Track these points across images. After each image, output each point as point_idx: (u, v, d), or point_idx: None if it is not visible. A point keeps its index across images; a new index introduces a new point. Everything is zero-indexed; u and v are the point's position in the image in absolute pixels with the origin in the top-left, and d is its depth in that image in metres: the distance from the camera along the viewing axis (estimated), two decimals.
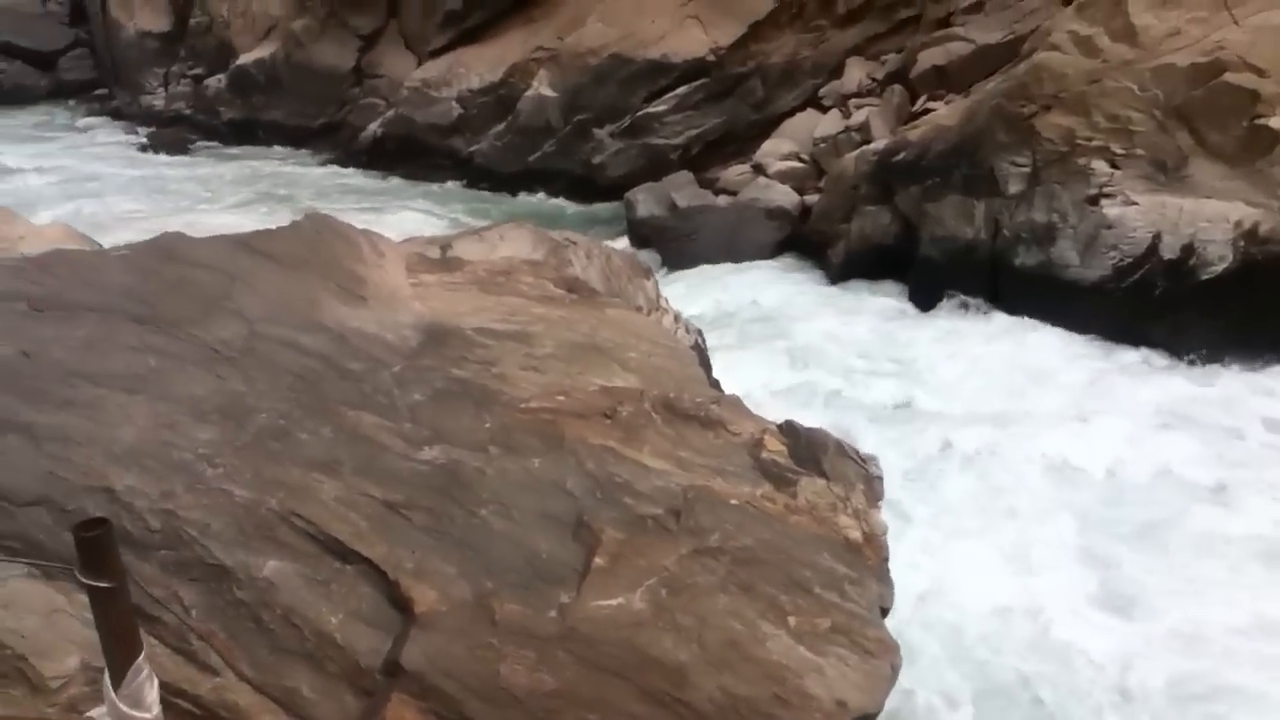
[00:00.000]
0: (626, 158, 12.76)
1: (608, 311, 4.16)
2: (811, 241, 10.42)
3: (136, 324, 3.25)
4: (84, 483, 2.62)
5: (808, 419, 3.63)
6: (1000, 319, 8.51)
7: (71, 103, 19.65)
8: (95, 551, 1.60)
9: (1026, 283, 8.49)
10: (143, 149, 16.54)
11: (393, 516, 2.72)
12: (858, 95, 11.81)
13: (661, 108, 12.59)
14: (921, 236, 9.29)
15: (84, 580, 1.61)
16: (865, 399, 7.41)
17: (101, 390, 2.94)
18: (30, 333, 3.15)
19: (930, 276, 9.11)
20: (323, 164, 15.35)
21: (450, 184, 14.03)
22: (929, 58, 11.05)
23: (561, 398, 3.32)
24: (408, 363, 3.38)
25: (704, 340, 5.41)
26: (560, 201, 13.14)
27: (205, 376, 3.08)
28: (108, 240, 6.16)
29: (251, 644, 2.39)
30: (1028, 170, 8.58)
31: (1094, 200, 8.19)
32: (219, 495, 2.66)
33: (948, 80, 10.84)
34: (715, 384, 4.41)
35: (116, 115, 18.50)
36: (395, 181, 14.37)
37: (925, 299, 9.07)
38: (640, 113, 12.69)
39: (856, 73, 12.08)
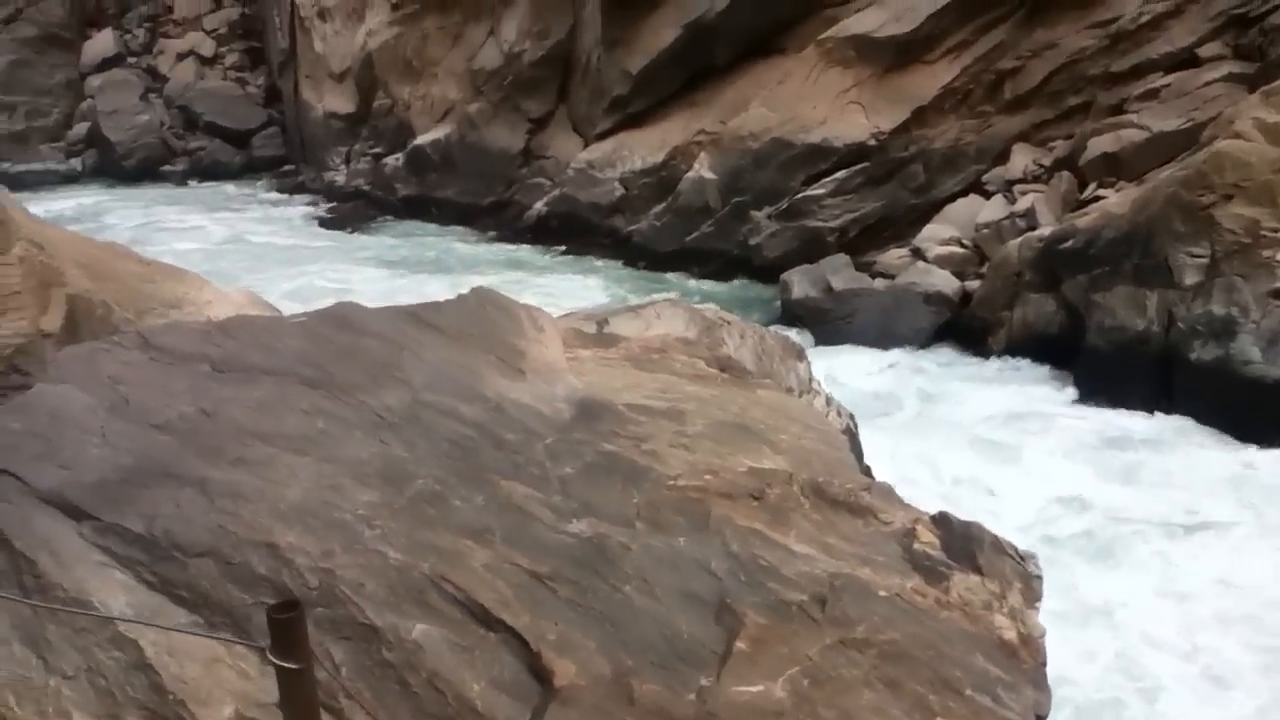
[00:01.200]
0: (783, 239, 12.80)
1: (759, 392, 4.15)
2: (971, 328, 10.19)
3: (308, 388, 3.41)
4: (250, 537, 2.75)
5: (963, 511, 3.52)
6: (1165, 418, 8.14)
7: (261, 177, 20.98)
8: (287, 633, 1.65)
9: (1201, 378, 8.08)
10: (322, 222, 17.50)
11: (538, 587, 2.75)
12: (1023, 181, 11.58)
13: (820, 191, 12.62)
14: (1088, 326, 8.97)
15: (274, 661, 1.65)
16: (1026, 494, 7.13)
17: (272, 450, 3.09)
18: (211, 393, 3.35)
19: (1097, 367, 8.77)
20: (489, 240, 15.92)
21: (609, 261, 14.34)
22: (1099, 144, 10.77)
23: (710, 477, 3.31)
24: (560, 435, 3.43)
25: (856, 425, 5.33)
26: (715, 281, 13.25)
27: (369, 441, 3.20)
28: (286, 306, 6.52)
29: (396, 705, 2.44)
30: (1205, 261, 8.22)
31: (1279, 295, 7.79)
32: (375, 556, 2.74)
33: (1119, 167, 10.53)
34: (866, 470, 4.33)
35: (301, 189, 19.65)
36: (557, 258, 14.78)
37: (1091, 390, 8.72)
38: (799, 195, 12.74)
39: (1022, 159, 11.86)
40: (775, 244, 12.82)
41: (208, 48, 22.30)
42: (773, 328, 7.46)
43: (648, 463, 3.34)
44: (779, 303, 11.66)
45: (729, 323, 5.15)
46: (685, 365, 4.28)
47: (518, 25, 15.73)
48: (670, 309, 5.10)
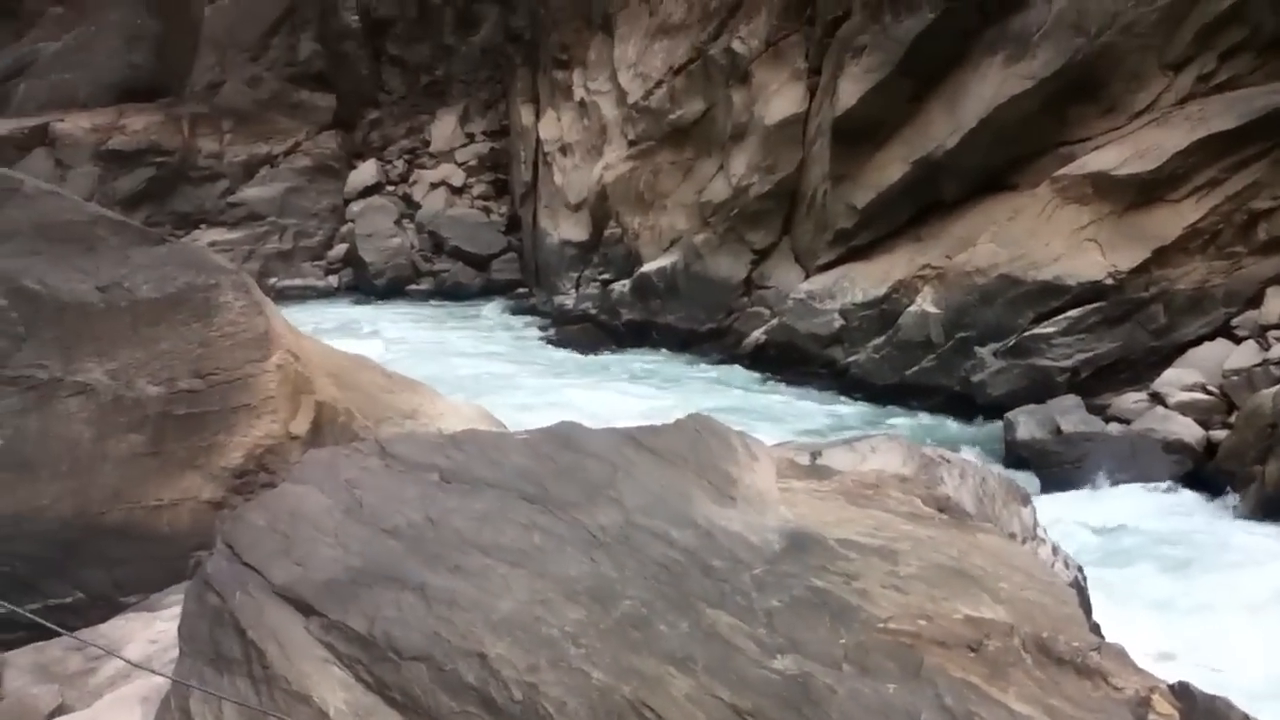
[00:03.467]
0: (1008, 377, 12.36)
1: (979, 536, 3.98)
2: (1216, 481, 9.46)
3: (527, 503, 3.52)
4: (462, 646, 2.83)
5: (1203, 682, 3.21)
6: None
7: (497, 299, 22.12)
8: None
9: None
10: (551, 342, 18.24)
11: None
12: (1278, 328, 10.80)
13: (1051, 329, 12.15)
14: None
15: None
16: (1276, 666, 6.45)
17: (489, 561, 3.19)
18: (438, 501, 3.51)
19: None
20: (708, 365, 16.13)
21: (826, 392, 14.21)
22: None
23: (923, 622, 3.17)
24: (769, 566, 3.39)
25: (1085, 578, 5.00)
26: (934, 417, 12.88)
27: (581, 558, 3.26)
28: (512, 421, 6.78)
29: None
30: None
31: None
32: (578, 675, 2.76)
33: None
34: (1095, 628, 4.04)
35: (533, 311, 20.58)
36: (773, 386, 14.78)
37: None
38: (1027, 333, 12.32)
39: (1278, 303, 11.09)
40: (1000, 382, 12.39)
41: (458, 178, 23.97)
42: (995, 469, 7.17)
43: (858, 602, 3.24)
44: (1002, 443, 11.18)
45: (948, 461, 4.99)
46: (900, 503, 4.16)
47: (747, 160, 16.16)
48: (887, 444, 4.99)
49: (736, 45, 16.30)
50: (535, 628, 2.91)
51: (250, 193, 23.43)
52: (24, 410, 5.13)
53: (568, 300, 19.62)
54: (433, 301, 22.12)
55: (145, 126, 22.91)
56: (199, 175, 23.19)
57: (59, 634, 3.58)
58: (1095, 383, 11.86)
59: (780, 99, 15.73)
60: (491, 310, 21.44)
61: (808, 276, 15.37)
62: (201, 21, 24.90)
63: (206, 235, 22.08)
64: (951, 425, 12.59)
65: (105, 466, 5.13)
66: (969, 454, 7.78)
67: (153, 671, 3.50)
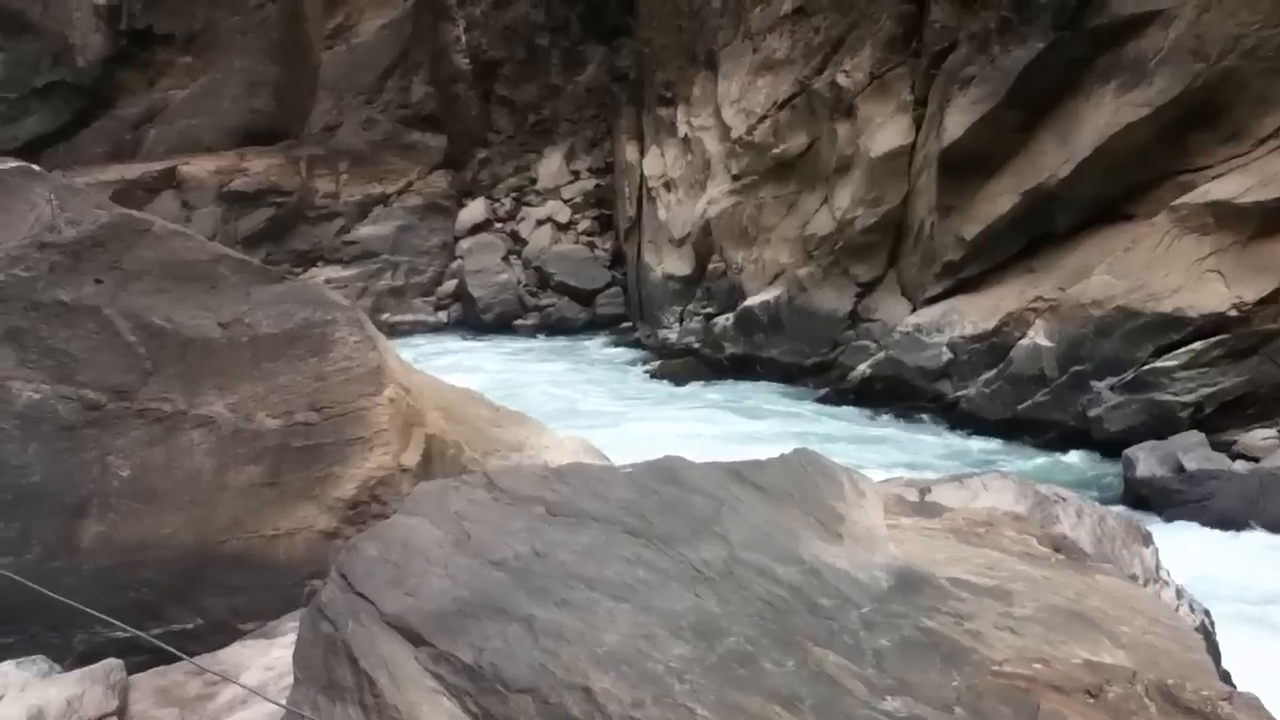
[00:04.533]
0: (1126, 413, 11.96)
1: (1097, 577, 3.84)
2: None
3: (632, 537, 3.53)
4: (567, 679, 2.83)
5: None
6: None
7: (602, 333, 22.33)
8: None
9: None
10: (654, 375, 18.30)
11: None
12: None
13: (1171, 363, 11.74)
14: None
15: None
16: None
17: (594, 594, 3.20)
18: (544, 534, 3.54)
19: None
20: (812, 399, 15.98)
21: (934, 427, 13.95)
22: None
23: (1039, 666, 3.07)
24: (877, 605, 3.33)
25: (1212, 623, 4.79)
26: (1048, 453, 12.52)
27: (685, 594, 3.24)
28: (615, 455, 6.81)
29: None
30: None
31: None
32: (682, 711, 2.74)
33: None
34: (1225, 676, 3.86)
35: (637, 345, 20.71)
36: (879, 421, 14.56)
37: None
38: (1146, 367, 11.91)
39: None
40: (1118, 417, 11.99)
41: (564, 215, 24.35)
42: (1113, 508, 6.93)
43: (970, 643, 3.16)
44: (1121, 481, 10.81)
45: (1064, 499, 4.84)
46: (1014, 542, 4.05)
47: (851, 193, 16.06)
48: (999, 480, 4.87)
49: (841, 79, 16.26)
50: (640, 662, 2.91)
51: (364, 231, 24.21)
52: (150, 442, 5.35)
53: (671, 334, 19.69)
54: (539, 336, 22.43)
55: (266, 168, 23.89)
56: (316, 214, 24.06)
57: (181, 659, 3.70)
58: (1220, 418, 11.40)
59: (885, 132, 15.61)
60: (596, 344, 21.63)
61: (915, 309, 15.16)
62: (319, 67, 25.91)
63: (323, 272, 22.85)
64: (1066, 462, 12.22)
65: (225, 496, 5.30)
66: (1085, 492, 7.51)
67: (267, 699, 3.60)
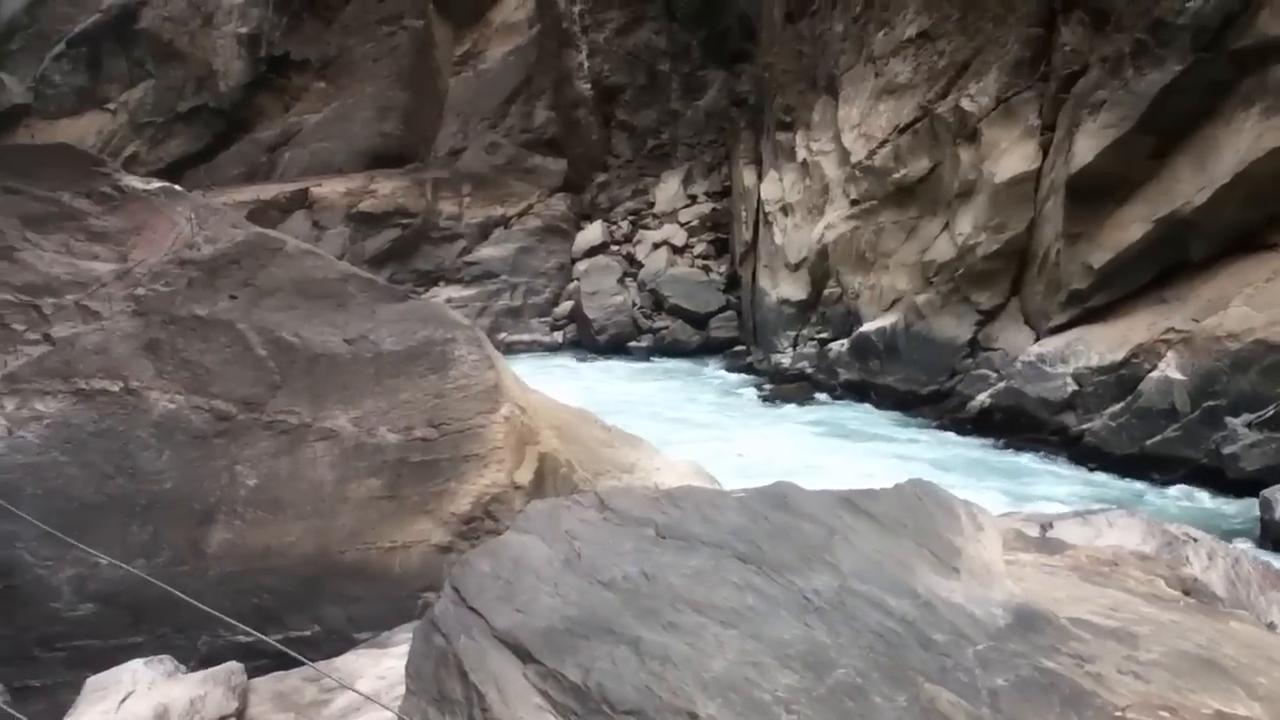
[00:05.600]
0: (1265, 451, 11.39)
1: (1232, 624, 3.66)
2: None
3: (741, 562, 3.50)
4: (673, 703, 2.83)
5: None
6: None
7: (714, 357, 22.29)
8: None
9: None
10: (764, 399, 18.19)
11: None
12: None
13: None
14: None
15: None
16: None
17: (702, 619, 3.19)
18: (653, 556, 3.54)
19: None
20: (927, 428, 15.65)
21: (1056, 460, 13.51)
22: None
23: (1166, 714, 2.94)
24: (993, 643, 3.23)
25: None
26: (1178, 491, 12.00)
27: (794, 622, 3.20)
28: (725, 478, 6.78)
29: None
30: None
31: None
32: None
33: None
34: None
35: (749, 370, 20.62)
36: (998, 453, 14.17)
37: None
38: None
39: None
40: (1255, 456, 11.43)
41: (680, 238, 24.45)
42: (1249, 550, 6.60)
43: (1092, 686, 3.04)
44: (1258, 522, 10.30)
45: (1195, 540, 4.63)
46: (1141, 583, 3.89)
47: (974, 219, 15.74)
48: (1125, 518, 4.69)
49: (965, 103, 15.98)
50: (747, 690, 2.88)
51: (485, 252, 24.74)
52: (277, 453, 5.54)
53: (785, 359, 19.54)
54: (652, 358, 22.52)
55: (393, 190, 24.64)
56: (439, 236, 24.71)
57: (301, 663, 3.81)
58: None
59: (1010, 157, 15.27)
60: (709, 368, 21.61)
61: (1038, 338, 14.74)
62: (446, 92, 26.64)
63: (444, 292, 23.40)
64: (1198, 500, 11.70)
65: (345, 508, 5.46)
66: (1218, 533, 7.16)
67: (382, 705, 3.68)
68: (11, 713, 4.15)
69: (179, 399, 5.59)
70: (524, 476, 5.66)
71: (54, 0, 27.00)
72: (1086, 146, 13.62)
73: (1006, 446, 14.26)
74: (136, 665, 4.53)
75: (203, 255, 6.04)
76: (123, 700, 4.22)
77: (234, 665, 4.57)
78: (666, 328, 23.14)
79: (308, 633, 5.22)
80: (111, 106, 27.10)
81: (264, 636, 3.97)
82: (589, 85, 25.95)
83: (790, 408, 17.50)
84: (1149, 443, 12.56)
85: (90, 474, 5.43)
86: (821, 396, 17.99)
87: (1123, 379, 13.10)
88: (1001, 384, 14.90)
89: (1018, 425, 14.34)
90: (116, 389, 5.59)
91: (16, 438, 5.48)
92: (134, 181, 6.42)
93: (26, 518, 4.93)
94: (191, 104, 26.80)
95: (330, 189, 24.61)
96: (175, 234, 6.10)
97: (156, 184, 6.52)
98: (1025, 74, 15.43)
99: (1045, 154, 14.95)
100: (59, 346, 5.72)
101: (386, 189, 24.63)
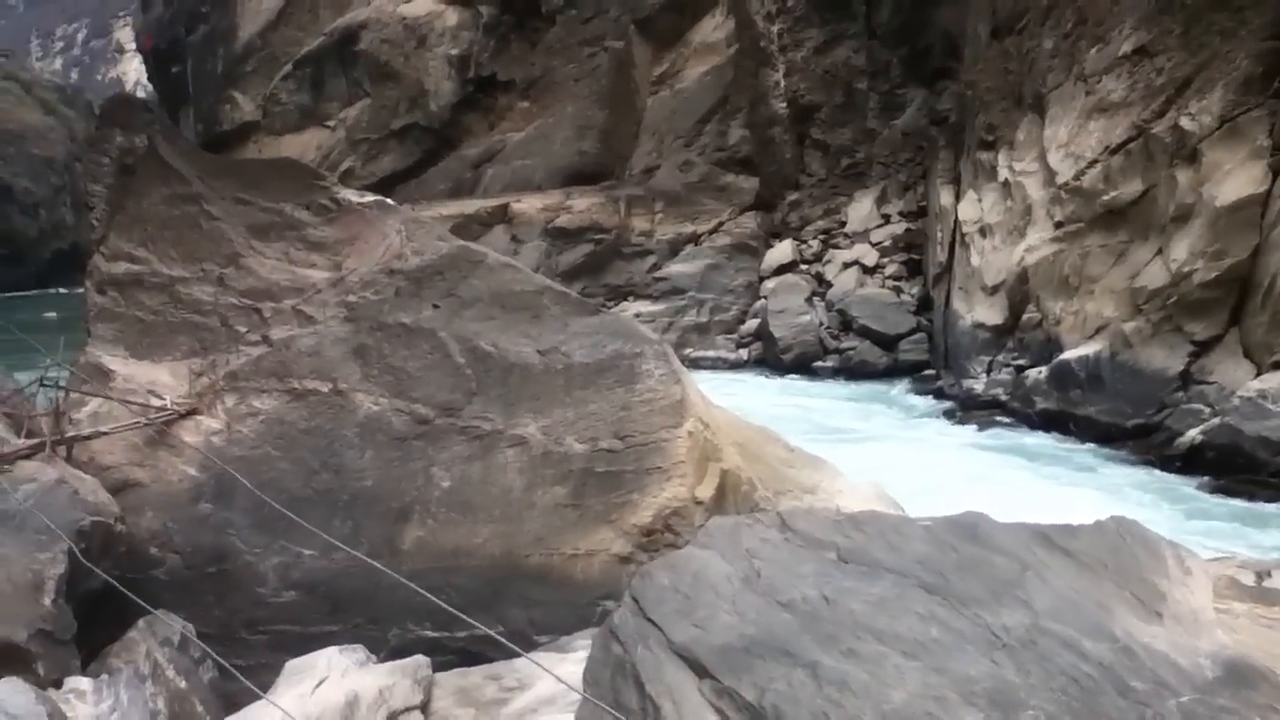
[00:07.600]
0: None
1: None
2: None
3: (926, 593, 3.41)
4: None
5: None
6: None
7: (902, 380, 21.77)
8: None
9: None
10: (957, 427, 17.61)
11: None
12: None
13: None
14: None
15: None
16: None
17: (883, 648, 3.11)
18: (834, 580, 3.48)
19: None
20: (1130, 464, 14.81)
21: (1275, 503, 12.54)
22: None
23: None
24: (1200, 696, 3.02)
25: None
26: None
27: (980, 659, 3.09)
28: (909, 505, 6.61)
29: None
30: None
31: None
32: None
33: None
34: None
35: (939, 395, 20.03)
36: (1211, 494, 13.27)
37: None
38: None
39: None
40: None
41: (871, 258, 24.03)
42: None
43: None
44: None
45: None
46: None
47: (1190, 244, 14.82)
48: None
49: (1185, 122, 15.09)
50: None
51: (674, 268, 25.00)
52: (470, 457, 5.75)
53: (977, 385, 18.90)
54: (838, 378, 22.19)
55: (588, 207, 25.24)
56: (630, 251, 25.14)
57: (516, 652, 3.91)
58: None
59: (1235, 179, 14.31)
60: (897, 390, 21.12)
61: (1260, 373, 13.73)
62: (644, 111, 27.08)
63: (633, 307, 23.77)
64: None
65: (532, 514, 5.61)
66: None
67: (574, 689, 3.74)
68: (242, 681, 4.44)
69: (382, 401, 5.88)
70: (705, 492, 5.67)
71: (285, 24, 29.01)
72: None
73: (1218, 488, 13.33)
74: (332, 652, 4.78)
75: (410, 266, 6.34)
76: (317, 685, 4.46)
77: (421, 659, 4.76)
78: (854, 348, 22.75)
79: (490, 632, 5.38)
80: (331, 123, 28.88)
81: (485, 628, 4.09)
82: (785, 104, 25.88)
83: (982, 435, 16.90)
84: None
85: (299, 469, 5.77)
86: (1016, 425, 17.29)
87: None
88: (1216, 420, 13.95)
89: (1232, 465, 13.38)
90: (326, 390, 5.93)
91: (234, 432, 5.89)
92: (350, 195, 6.81)
93: (288, 512, 5.27)
94: (404, 122, 28.24)
95: (529, 204, 25.43)
96: (386, 245, 6.43)
97: (371, 197, 6.90)
98: (1255, 91, 14.44)
99: (1275, 177, 13.95)
100: (276, 348, 6.12)
101: (582, 205, 25.25)
